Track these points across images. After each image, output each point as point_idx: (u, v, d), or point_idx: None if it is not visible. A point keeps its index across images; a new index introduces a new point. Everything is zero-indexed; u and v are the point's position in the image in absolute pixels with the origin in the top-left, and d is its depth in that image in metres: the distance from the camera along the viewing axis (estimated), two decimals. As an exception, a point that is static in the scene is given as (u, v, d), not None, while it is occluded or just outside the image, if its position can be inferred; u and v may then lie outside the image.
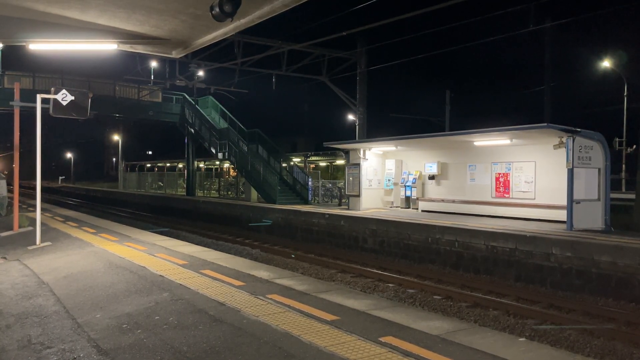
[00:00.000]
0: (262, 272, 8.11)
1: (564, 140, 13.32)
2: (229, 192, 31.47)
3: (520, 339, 5.53)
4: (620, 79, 31.71)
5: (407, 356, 4.43)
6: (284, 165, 26.57)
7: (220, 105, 32.26)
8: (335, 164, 35.99)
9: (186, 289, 6.91)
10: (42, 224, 12.65)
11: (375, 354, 4.49)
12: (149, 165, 55.09)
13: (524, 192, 15.84)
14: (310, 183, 24.71)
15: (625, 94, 31.10)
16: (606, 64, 31.45)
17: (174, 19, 7.58)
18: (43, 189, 12.83)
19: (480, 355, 4.46)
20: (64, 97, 11.06)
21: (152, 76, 30.51)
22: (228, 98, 32.29)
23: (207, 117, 30.65)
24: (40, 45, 9.02)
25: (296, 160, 30.87)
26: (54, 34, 8.31)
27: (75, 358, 4.66)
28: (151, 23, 7.83)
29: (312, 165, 35.20)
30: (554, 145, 13.91)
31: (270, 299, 6.34)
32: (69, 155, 78.92)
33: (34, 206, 12.61)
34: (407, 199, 19.30)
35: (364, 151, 19.56)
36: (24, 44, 8.99)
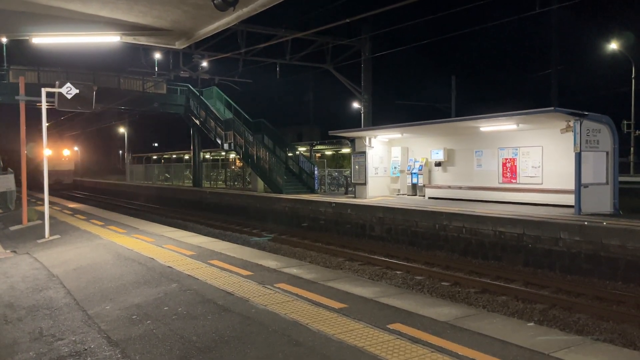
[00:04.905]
0: (270, 261, 8.14)
1: (571, 124, 13.21)
2: (236, 183, 31.52)
3: (529, 324, 5.53)
4: (628, 61, 31.36)
5: (416, 343, 4.44)
6: (289, 154, 26.54)
7: (225, 96, 32.20)
8: (341, 152, 35.88)
9: (194, 279, 6.95)
10: (51, 217, 12.73)
11: (383, 340, 4.50)
12: (155, 157, 55.21)
13: (531, 177, 15.76)
14: (316, 172, 24.70)
15: (633, 76, 30.77)
16: (613, 46, 31.09)
17: (176, 9, 7.53)
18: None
19: (489, 340, 4.46)
20: (69, 90, 11.07)
21: (156, 68, 30.47)
22: (232, 88, 32.22)
23: (212, 108, 30.61)
24: (43, 39, 9.00)
25: (302, 149, 30.80)
26: (56, 27, 8.28)
27: (86, 349, 4.70)
28: (153, 14, 7.79)
29: (318, 155, 35.11)
30: (561, 130, 13.80)
31: (279, 288, 6.36)
32: (75, 148, 79.16)
33: (42, 200, 12.68)
34: (414, 186, 19.25)
35: (370, 139, 19.49)
36: (27, 37, 8.97)
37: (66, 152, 53.40)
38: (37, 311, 6.05)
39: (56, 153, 49.91)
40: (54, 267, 8.53)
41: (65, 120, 39.04)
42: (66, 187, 49.58)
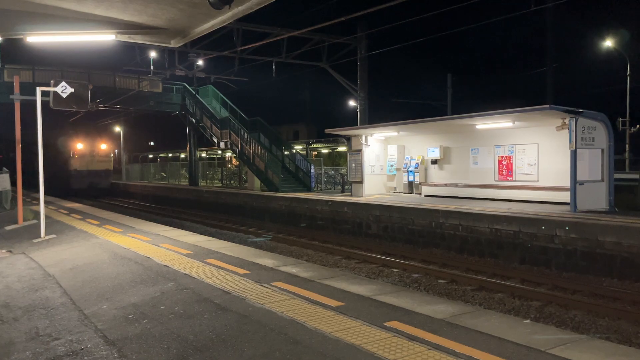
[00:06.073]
0: (267, 260, 8.13)
1: (566, 121, 13.24)
2: (232, 182, 31.49)
3: (526, 321, 5.54)
4: (623, 58, 31.45)
5: (412, 340, 4.44)
6: (286, 153, 26.53)
7: (221, 94, 32.16)
8: (337, 150, 35.90)
9: (191, 278, 6.94)
10: (46, 216, 12.69)
11: (380, 338, 4.50)
12: (151, 156, 55.08)
13: (527, 174, 15.80)
14: (312, 170, 24.70)
15: (628, 73, 30.85)
16: (608, 43, 31.15)
17: (172, 7, 7.51)
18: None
19: (486, 337, 4.47)
20: (64, 89, 11.03)
21: (152, 66, 30.40)
22: (228, 87, 32.20)
23: (208, 107, 30.56)
24: (38, 38, 8.97)
25: (298, 147, 30.81)
26: (51, 25, 8.26)
27: (82, 349, 4.69)
28: (148, 12, 7.77)
29: (315, 153, 35.11)
30: (556, 127, 13.83)
31: (275, 286, 6.36)
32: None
33: (38, 199, 12.64)
34: (410, 184, 19.27)
35: (366, 137, 19.49)
36: (21, 36, 8.94)
37: (103, 147, 40.74)
38: (34, 311, 6.03)
39: (89, 149, 39.21)
40: (50, 266, 8.50)
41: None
42: (102, 192, 38.76)
